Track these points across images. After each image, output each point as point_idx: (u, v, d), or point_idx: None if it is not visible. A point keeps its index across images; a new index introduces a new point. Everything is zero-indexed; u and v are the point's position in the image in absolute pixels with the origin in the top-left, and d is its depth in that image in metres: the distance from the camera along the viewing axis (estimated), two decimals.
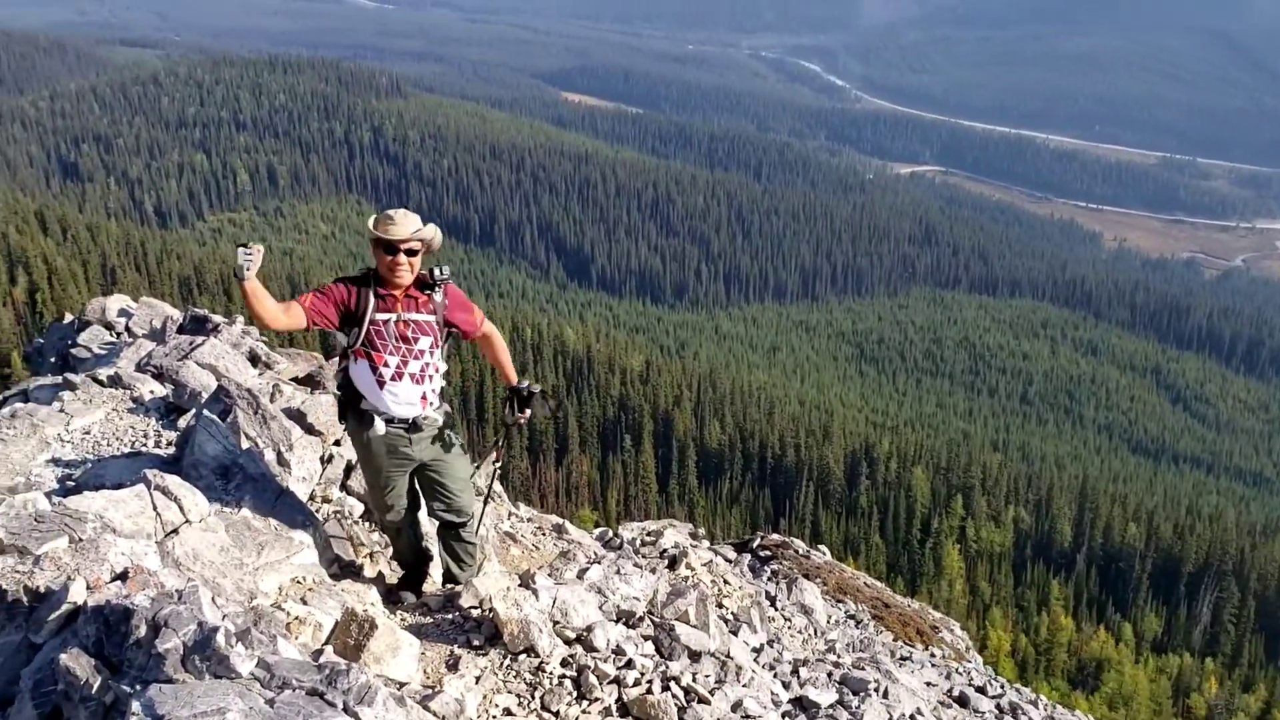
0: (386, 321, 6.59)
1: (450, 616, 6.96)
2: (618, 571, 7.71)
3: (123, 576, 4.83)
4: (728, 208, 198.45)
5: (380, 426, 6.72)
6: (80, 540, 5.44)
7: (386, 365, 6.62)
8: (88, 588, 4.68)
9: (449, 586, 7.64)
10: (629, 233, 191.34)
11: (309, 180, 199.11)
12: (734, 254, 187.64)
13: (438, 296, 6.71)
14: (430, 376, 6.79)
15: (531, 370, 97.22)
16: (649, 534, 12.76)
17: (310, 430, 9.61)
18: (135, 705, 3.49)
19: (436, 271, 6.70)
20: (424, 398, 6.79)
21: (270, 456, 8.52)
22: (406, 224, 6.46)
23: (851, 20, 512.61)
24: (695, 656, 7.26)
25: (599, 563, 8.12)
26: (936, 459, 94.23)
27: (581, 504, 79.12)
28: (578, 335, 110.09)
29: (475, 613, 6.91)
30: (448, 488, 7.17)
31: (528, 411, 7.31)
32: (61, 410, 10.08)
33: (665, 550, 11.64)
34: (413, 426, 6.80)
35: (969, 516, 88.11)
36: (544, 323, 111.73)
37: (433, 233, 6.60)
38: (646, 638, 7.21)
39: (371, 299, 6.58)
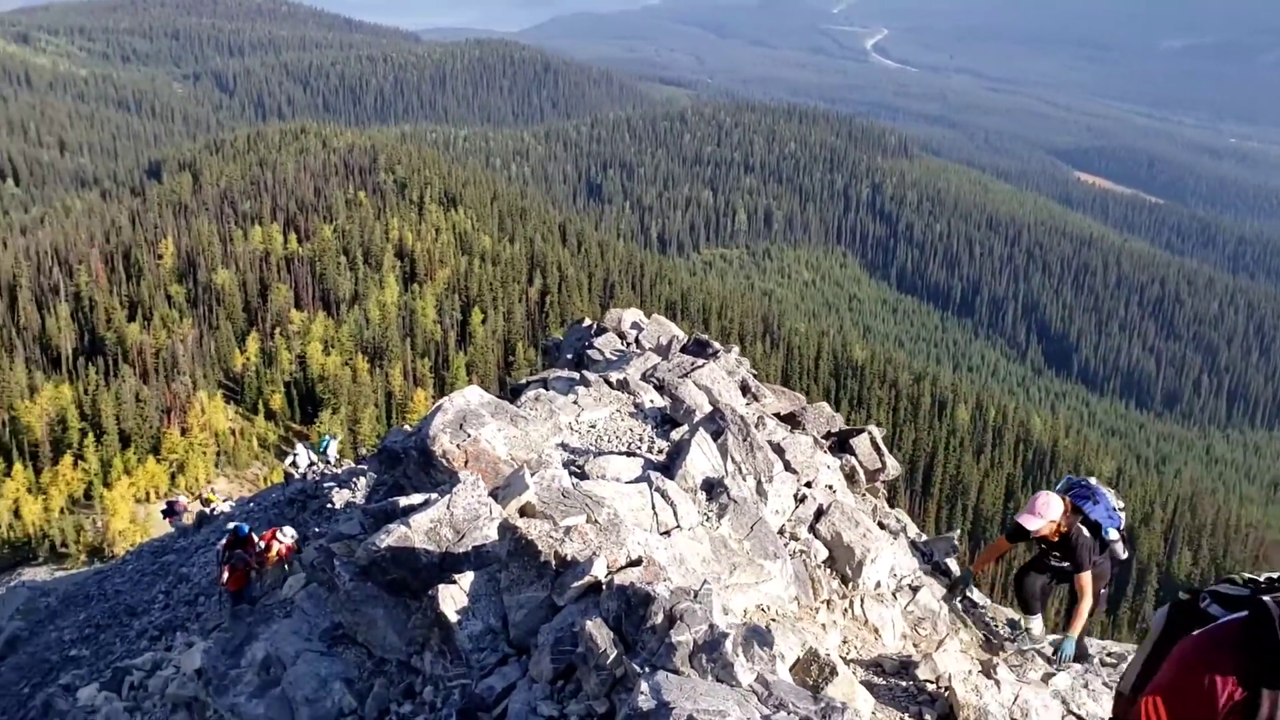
0: None
1: (904, 684, 6.88)
2: (1085, 685, 7.21)
3: (636, 563, 5.29)
4: (1246, 318, 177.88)
5: None
6: (597, 521, 6.03)
7: None
8: (607, 567, 5.18)
9: (904, 654, 7.55)
10: (1123, 328, 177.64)
11: (801, 227, 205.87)
12: (1245, 370, 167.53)
13: None
14: None
15: (988, 454, 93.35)
16: (1110, 654, 11.79)
17: (788, 467, 9.93)
18: (644, 685, 3.80)
19: None
20: None
21: (751, 484, 8.92)
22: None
23: None
24: None
25: (1063, 671, 7.65)
26: None
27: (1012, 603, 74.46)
28: (1045, 426, 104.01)
29: (930, 687, 6.77)
30: None
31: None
32: (575, 403, 11.24)
33: None
34: None
35: None
36: (1011, 406, 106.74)
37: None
38: None
39: None
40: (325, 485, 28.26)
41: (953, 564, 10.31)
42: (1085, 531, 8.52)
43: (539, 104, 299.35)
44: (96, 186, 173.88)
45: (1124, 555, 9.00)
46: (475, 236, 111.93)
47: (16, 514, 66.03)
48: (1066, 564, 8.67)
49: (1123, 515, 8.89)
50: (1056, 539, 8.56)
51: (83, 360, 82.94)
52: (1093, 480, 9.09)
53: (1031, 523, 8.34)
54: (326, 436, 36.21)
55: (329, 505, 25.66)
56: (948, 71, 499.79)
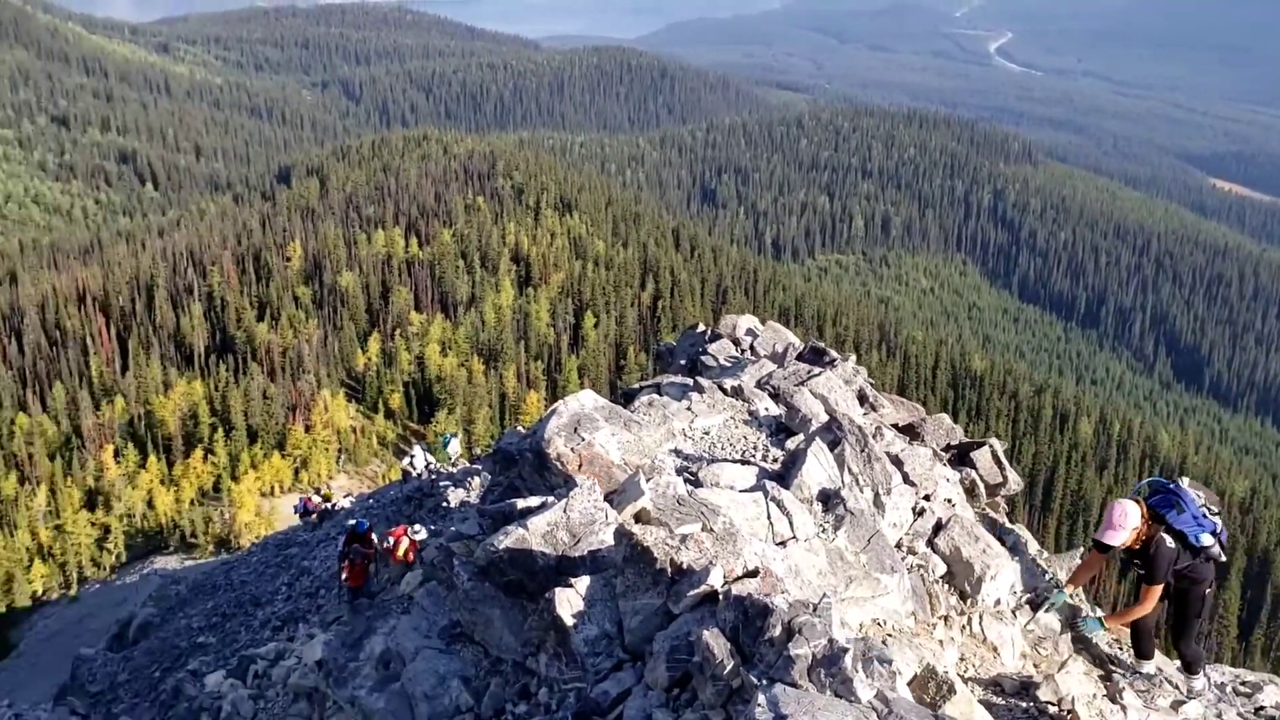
0: None
1: (1024, 705, 6.68)
2: (1219, 716, 6.88)
3: (753, 574, 5.25)
4: None
5: None
6: (712, 530, 6.01)
7: None
8: (724, 577, 5.15)
9: (1024, 674, 7.34)
10: (1260, 341, 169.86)
11: (919, 234, 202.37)
12: None
13: None
14: None
15: (1111, 469, 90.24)
16: (1244, 684, 11.24)
17: (906, 479, 9.74)
18: (761, 698, 3.76)
19: None
20: None
21: (868, 496, 8.77)
22: None
23: None
24: None
25: (1195, 699, 7.33)
26: None
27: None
28: (1173, 442, 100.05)
29: (1051, 709, 6.56)
30: None
31: None
32: (689, 409, 11.21)
33: (1263, 708, 10.15)
34: None
35: None
36: (1137, 421, 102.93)
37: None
38: None
39: None
40: (441, 484, 28.85)
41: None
42: (1168, 541, 8.11)
43: (655, 110, 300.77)
44: (229, 191, 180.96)
45: (1222, 558, 8.54)
46: (589, 241, 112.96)
47: (150, 504, 69.02)
48: (1143, 572, 8.29)
49: (1217, 519, 8.42)
50: (1138, 546, 8.20)
51: (214, 358, 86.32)
52: (1183, 481, 8.65)
53: (1114, 538, 8.00)
54: (448, 434, 36.87)
55: (444, 504, 26.20)
56: (1074, 75, 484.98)
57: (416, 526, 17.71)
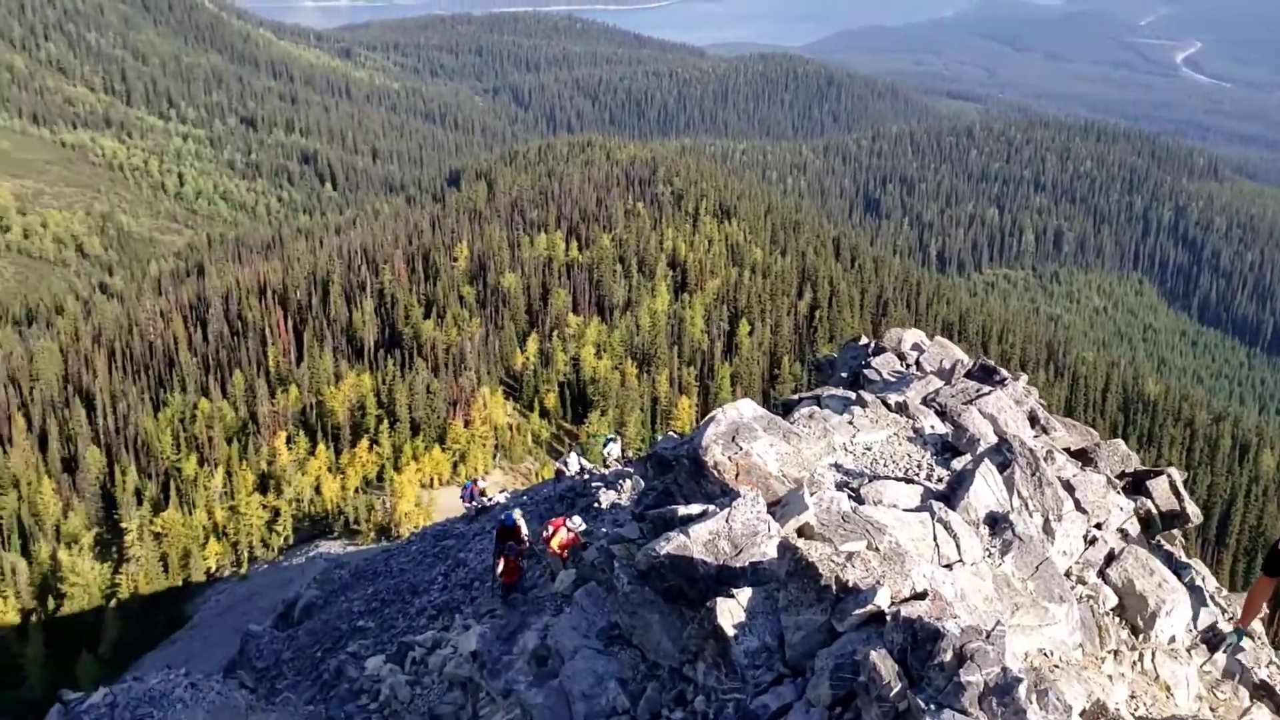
0: None
1: None
2: None
3: (921, 596, 5.13)
4: None
5: None
6: (878, 549, 5.90)
7: None
8: (891, 597, 5.05)
9: (1199, 717, 6.95)
10: None
11: (1093, 251, 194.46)
12: None
13: None
14: None
15: (1278, 505, 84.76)
16: None
17: (1078, 506, 9.36)
18: None
19: None
20: None
21: (1038, 521, 8.46)
22: None
23: None
24: None
25: None
26: None
27: None
28: None
29: None
30: None
31: None
32: (850, 423, 11.04)
33: None
34: None
35: None
36: None
37: None
38: None
39: None
40: (593, 485, 29.23)
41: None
42: None
43: (819, 118, 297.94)
44: (403, 192, 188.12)
45: None
46: (747, 248, 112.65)
47: (317, 490, 72.20)
48: None
49: None
50: None
51: (382, 352, 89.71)
52: None
53: None
54: (609, 436, 37.26)
55: (595, 504, 26.52)
56: (1269, 88, 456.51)
57: (575, 519, 17.93)
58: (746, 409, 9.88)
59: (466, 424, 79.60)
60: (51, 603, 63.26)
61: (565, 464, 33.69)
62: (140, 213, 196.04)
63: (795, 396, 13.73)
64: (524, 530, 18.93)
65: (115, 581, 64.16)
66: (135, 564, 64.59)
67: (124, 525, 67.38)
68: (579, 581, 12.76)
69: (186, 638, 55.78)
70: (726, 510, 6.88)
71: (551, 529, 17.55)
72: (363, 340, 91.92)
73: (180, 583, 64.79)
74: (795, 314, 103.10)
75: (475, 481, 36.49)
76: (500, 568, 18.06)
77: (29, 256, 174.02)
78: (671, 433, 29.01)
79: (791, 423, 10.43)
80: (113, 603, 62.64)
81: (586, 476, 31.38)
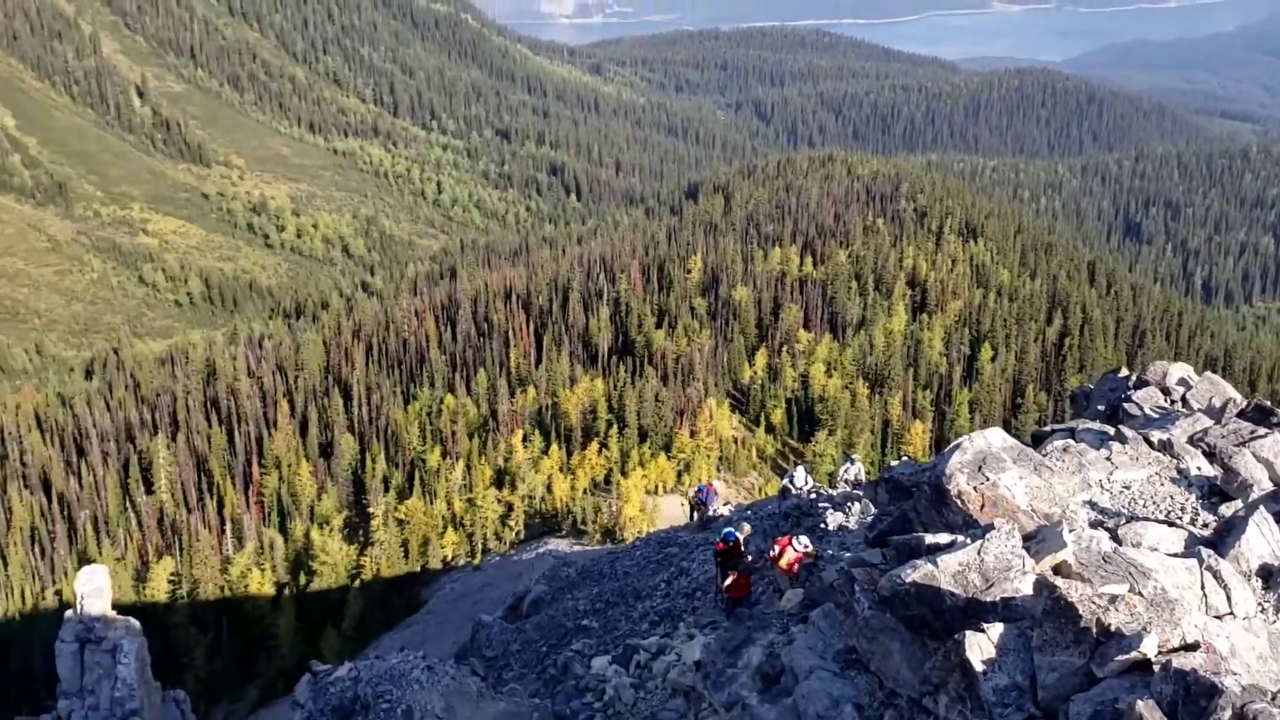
0: None
1: None
2: None
3: (1192, 647, 4.78)
4: None
5: None
6: (1141, 594, 5.53)
7: None
8: (1158, 646, 4.73)
9: None
10: None
11: None
12: None
13: None
14: None
15: None
16: None
17: None
18: None
19: None
20: None
21: None
22: None
23: None
24: None
25: None
26: None
27: None
28: None
29: None
30: None
31: None
32: (1108, 459, 10.43)
33: None
34: None
35: None
36: None
37: None
38: None
39: None
40: (820, 505, 28.83)
41: None
42: None
43: (1078, 136, 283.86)
44: (642, 204, 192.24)
45: None
46: (993, 269, 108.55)
47: (549, 489, 74.70)
48: None
49: None
50: None
51: (615, 359, 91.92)
52: None
53: None
54: (853, 456, 36.67)
55: (822, 525, 26.13)
56: None
57: (803, 539, 17.75)
58: (995, 438, 9.51)
59: (692, 434, 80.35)
60: (303, 578, 68.22)
61: (792, 479, 33.36)
62: (401, 217, 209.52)
63: (1047, 428, 13.10)
64: (743, 544, 18.86)
65: (360, 563, 68.53)
66: (379, 548, 68.76)
67: (371, 510, 71.91)
68: (808, 601, 12.62)
69: (421, 621, 58.75)
70: (979, 542, 6.62)
71: (778, 547, 17.42)
72: (597, 346, 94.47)
73: (418, 568, 68.49)
74: (1043, 341, 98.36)
75: (710, 484, 36.64)
76: (728, 581, 18.05)
77: (300, 254, 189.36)
78: (905, 457, 28.28)
79: (1043, 455, 9.96)
80: (356, 583, 66.86)
81: (814, 496, 30.98)
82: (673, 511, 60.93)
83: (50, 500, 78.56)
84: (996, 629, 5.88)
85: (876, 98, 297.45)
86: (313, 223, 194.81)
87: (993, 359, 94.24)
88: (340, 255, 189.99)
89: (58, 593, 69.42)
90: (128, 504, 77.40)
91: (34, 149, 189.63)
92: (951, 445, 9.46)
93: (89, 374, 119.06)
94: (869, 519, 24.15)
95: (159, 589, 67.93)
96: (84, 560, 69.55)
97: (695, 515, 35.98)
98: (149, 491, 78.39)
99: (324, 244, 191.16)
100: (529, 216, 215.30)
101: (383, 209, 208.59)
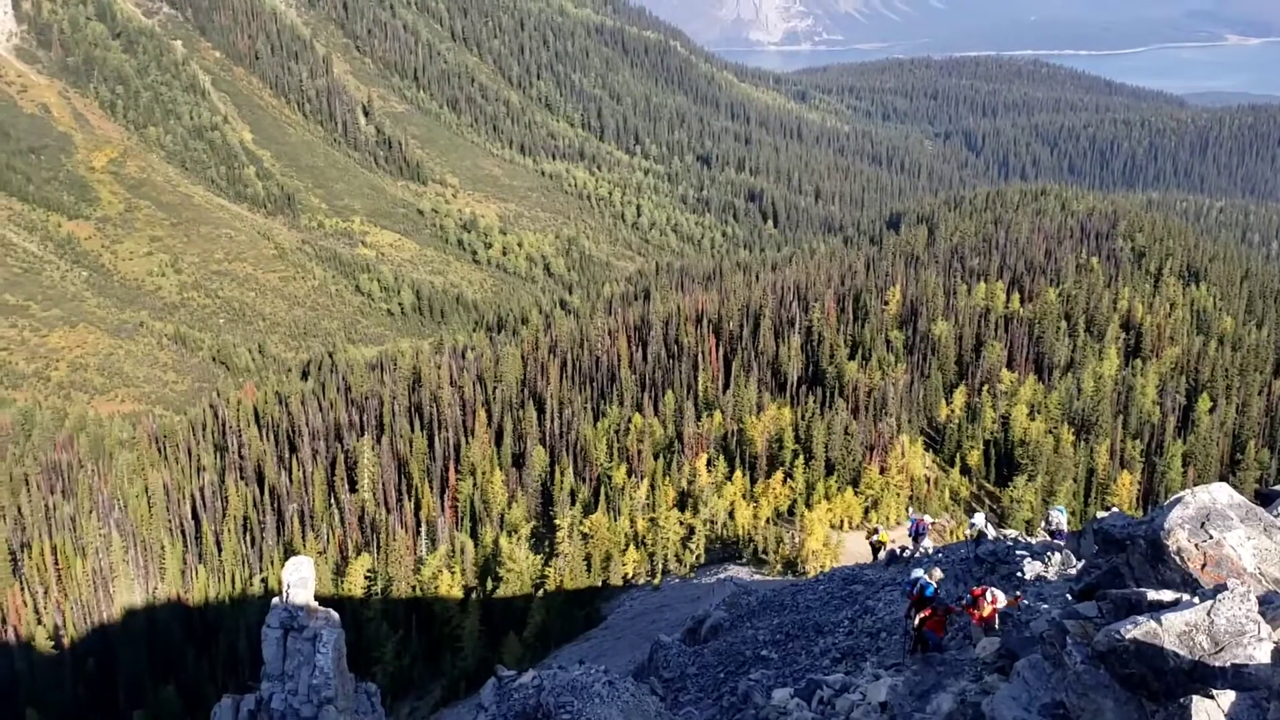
0: None
1: None
2: None
3: None
4: None
5: None
6: None
7: None
8: None
9: None
10: None
11: None
12: None
13: None
14: None
15: None
16: None
17: None
18: None
19: None
20: None
21: None
22: None
23: None
24: None
25: None
26: None
27: None
28: None
29: None
30: None
31: None
32: None
33: None
34: None
35: None
36: None
37: None
38: None
39: None
40: (1017, 553, 27.68)
41: None
42: None
43: None
44: (840, 233, 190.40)
45: None
46: (1215, 316, 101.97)
47: (731, 515, 74.45)
48: None
49: None
50: None
51: (804, 388, 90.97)
52: None
53: None
54: (1060, 507, 35.23)
55: (1018, 574, 25.08)
56: None
57: (997, 591, 17.08)
58: (1220, 494, 8.88)
59: (882, 470, 78.51)
60: (490, 584, 70.27)
61: (972, 524, 32.32)
62: (600, 239, 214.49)
63: (1276, 488, 12.19)
64: (937, 600, 18.23)
65: (545, 573, 70.07)
66: (563, 559, 70.13)
67: (557, 522, 73.47)
68: (1005, 651, 12.08)
69: (600, 635, 59.54)
70: (1208, 603, 6.18)
71: (973, 597, 16.87)
72: (786, 375, 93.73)
73: (599, 583, 69.47)
74: (1268, 394, 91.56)
75: (922, 518, 35.83)
76: (921, 615, 17.45)
77: (505, 271, 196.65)
78: (1113, 508, 26.80)
79: (1276, 516, 9.24)
80: (540, 592, 68.37)
81: (1010, 544, 29.80)
82: (857, 547, 59.55)
83: (262, 492, 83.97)
84: (1227, 696, 5.46)
85: (1095, 131, 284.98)
86: (518, 241, 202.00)
87: (1211, 410, 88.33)
88: (541, 273, 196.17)
89: (264, 580, 73.89)
90: (332, 500, 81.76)
91: (268, 162, 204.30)
92: (1172, 499, 8.90)
93: (305, 375, 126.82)
94: (1072, 570, 23.03)
95: (355, 584, 71.33)
96: (289, 551, 74.00)
97: (878, 554, 35.15)
98: (352, 490, 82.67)
99: (527, 262, 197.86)
100: (724, 242, 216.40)
101: (584, 230, 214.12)
